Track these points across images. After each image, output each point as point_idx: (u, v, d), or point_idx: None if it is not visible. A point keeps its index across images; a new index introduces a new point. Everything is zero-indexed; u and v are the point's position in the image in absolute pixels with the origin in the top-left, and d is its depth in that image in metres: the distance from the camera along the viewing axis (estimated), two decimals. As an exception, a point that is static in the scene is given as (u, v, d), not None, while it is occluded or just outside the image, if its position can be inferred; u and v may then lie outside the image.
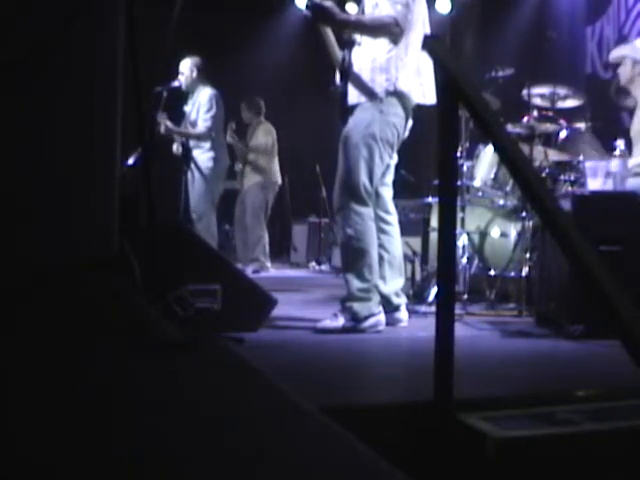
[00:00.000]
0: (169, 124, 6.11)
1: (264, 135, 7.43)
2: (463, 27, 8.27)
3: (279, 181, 7.50)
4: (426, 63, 3.51)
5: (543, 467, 1.81)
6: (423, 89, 3.55)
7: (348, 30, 3.62)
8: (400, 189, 3.87)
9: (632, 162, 4.14)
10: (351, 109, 3.55)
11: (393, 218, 3.73)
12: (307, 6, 3.45)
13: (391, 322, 3.60)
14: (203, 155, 6.20)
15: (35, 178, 1.97)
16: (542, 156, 4.52)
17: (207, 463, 1.13)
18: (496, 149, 3.18)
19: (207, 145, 6.21)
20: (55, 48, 1.97)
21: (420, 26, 3.56)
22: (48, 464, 1.08)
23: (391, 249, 3.69)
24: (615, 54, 4.68)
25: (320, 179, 8.29)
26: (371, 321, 3.45)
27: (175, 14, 3.04)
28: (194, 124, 6.21)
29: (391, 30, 3.45)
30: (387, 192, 3.73)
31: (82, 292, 1.85)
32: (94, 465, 1.10)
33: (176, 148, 6.28)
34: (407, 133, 3.67)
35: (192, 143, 6.24)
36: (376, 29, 3.51)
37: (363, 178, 3.46)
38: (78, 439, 1.18)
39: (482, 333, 3.60)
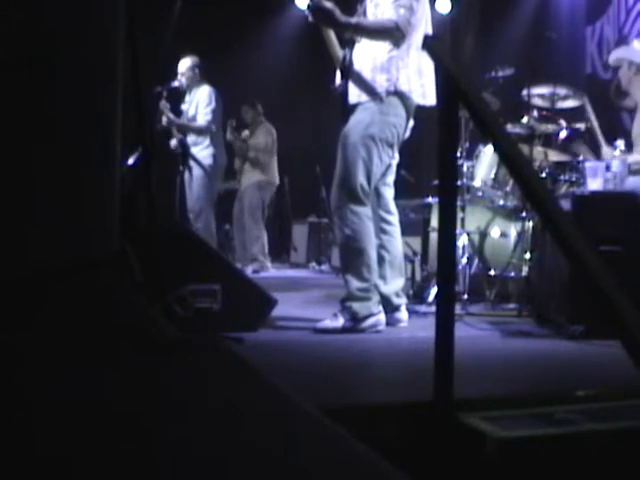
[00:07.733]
0: (171, 116, 6.09)
1: (265, 135, 7.49)
2: (463, 27, 8.27)
3: (277, 181, 7.54)
4: (427, 64, 3.49)
5: (543, 467, 1.81)
6: (424, 90, 3.54)
7: (348, 33, 3.60)
8: (400, 189, 3.87)
9: (631, 159, 4.14)
10: (352, 108, 3.54)
11: (394, 218, 3.73)
12: (309, 7, 3.44)
13: (391, 322, 3.60)
14: (203, 152, 6.18)
15: (34, 178, 1.97)
16: (542, 156, 4.52)
17: (206, 463, 1.13)
18: (496, 149, 3.18)
19: (206, 142, 6.18)
20: (55, 48, 1.96)
21: (423, 27, 3.55)
22: (46, 460, 1.08)
23: (392, 249, 3.68)
24: (613, 57, 4.70)
25: (320, 179, 8.29)
26: (371, 321, 3.45)
27: (175, 14, 3.04)
28: (192, 120, 6.20)
29: (392, 34, 3.44)
30: (389, 192, 3.73)
31: (82, 292, 1.85)
32: (94, 464, 1.10)
33: (174, 145, 6.23)
34: (408, 133, 3.66)
35: (190, 140, 6.22)
36: (377, 33, 3.50)
37: (361, 178, 3.46)
38: (78, 438, 1.18)
39: (482, 333, 3.60)
